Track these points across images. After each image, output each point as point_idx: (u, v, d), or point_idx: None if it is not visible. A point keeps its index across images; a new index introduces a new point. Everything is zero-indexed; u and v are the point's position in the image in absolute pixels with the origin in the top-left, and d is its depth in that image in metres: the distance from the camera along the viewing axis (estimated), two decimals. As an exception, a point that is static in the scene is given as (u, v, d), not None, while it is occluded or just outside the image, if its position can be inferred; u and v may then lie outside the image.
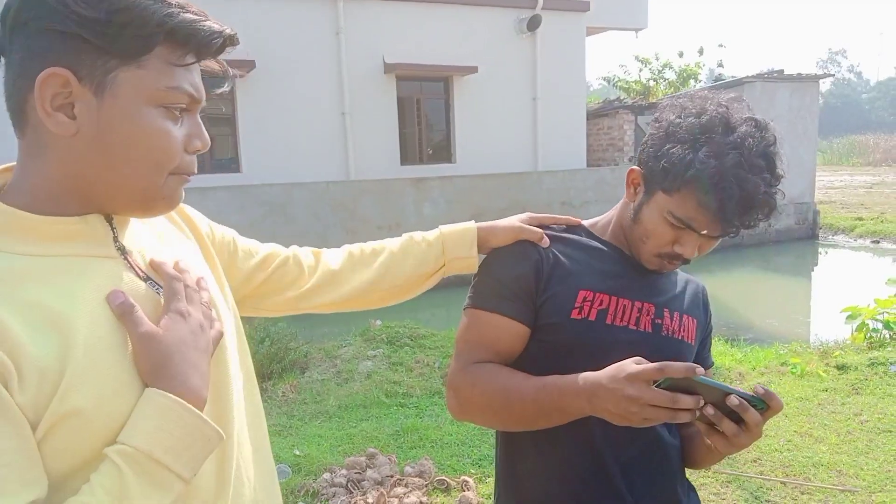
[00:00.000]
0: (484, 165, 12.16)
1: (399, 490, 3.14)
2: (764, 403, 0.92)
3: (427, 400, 4.53)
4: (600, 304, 1.16)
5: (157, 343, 0.73)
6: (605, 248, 1.25)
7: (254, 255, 1.13)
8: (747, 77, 14.52)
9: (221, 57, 0.80)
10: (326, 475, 3.31)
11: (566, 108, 12.99)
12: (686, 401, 0.90)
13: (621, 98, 16.99)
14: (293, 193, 10.07)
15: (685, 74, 22.09)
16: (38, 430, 0.65)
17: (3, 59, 0.72)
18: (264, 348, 5.08)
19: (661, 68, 22.26)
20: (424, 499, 3.09)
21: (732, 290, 9.81)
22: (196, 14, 0.74)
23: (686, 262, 1.17)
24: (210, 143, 0.81)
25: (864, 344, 5.32)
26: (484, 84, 12.26)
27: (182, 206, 0.95)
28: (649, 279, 1.23)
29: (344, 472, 3.33)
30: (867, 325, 5.49)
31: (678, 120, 1.11)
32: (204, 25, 0.74)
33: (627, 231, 1.22)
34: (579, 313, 1.15)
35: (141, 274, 0.79)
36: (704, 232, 1.10)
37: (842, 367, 4.72)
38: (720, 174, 1.03)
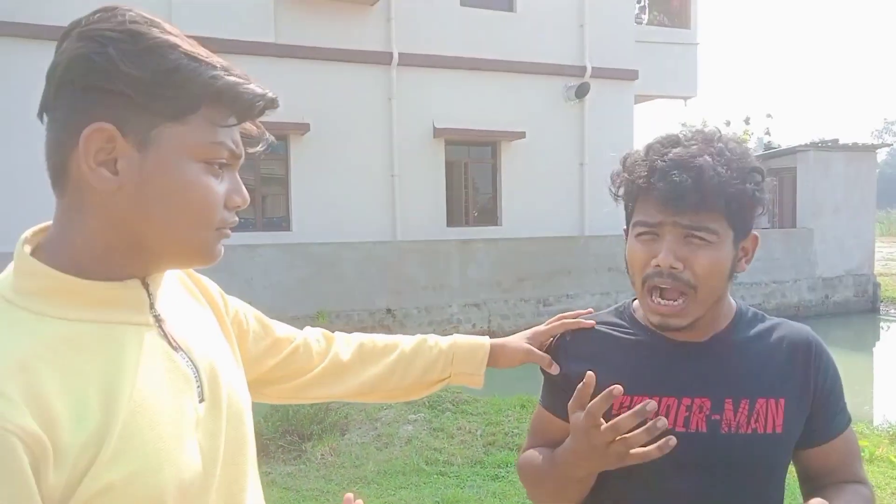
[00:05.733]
0: (530, 229, 12.14)
1: (438, 566, 2.99)
2: None
3: (468, 469, 4.38)
4: None
5: None
6: (646, 338, 1.12)
7: (265, 336, 1.09)
8: (800, 146, 14.32)
9: (264, 118, 0.81)
10: (363, 546, 3.18)
11: (614, 174, 12.95)
12: (626, 420, 0.90)
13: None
14: (341, 253, 10.19)
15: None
16: None
17: (46, 116, 0.72)
18: (304, 408, 5.02)
19: None
20: (464, 577, 2.93)
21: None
22: (239, 77, 0.74)
23: (678, 281, 1.01)
24: (249, 199, 0.80)
25: (938, 428, 4.97)
26: (531, 149, 12.37)
27: (198, 276, 0.95)
28: (707, 365, 1.08)
29: (381, 543, 3.20)
30: (940, 407, 5.13)
31: None
32: (247, 88, 0.74)
33: None
34: None
35: (174, 344, 0.78)
36: (663, 219, 1.01)
37: (915, 453, 4.39)
38: (640, 158, 1.06)
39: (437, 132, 11.71)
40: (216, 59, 0.74)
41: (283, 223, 11.25)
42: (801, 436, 1.10)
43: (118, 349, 0.71)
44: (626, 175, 1.08)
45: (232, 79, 0.73)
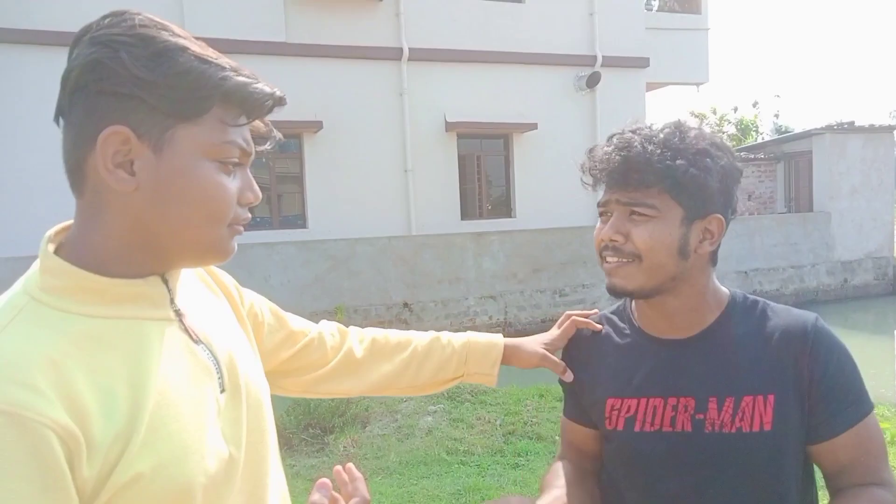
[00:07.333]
0: (543, 220, 12.14)
1: (461, 552, 3.05)
2: None
3: (489, 458, 4.43)
4: (628, 411, 1.11)
5: None
6: (637, 339, 1.14)
7: (280, 329, 1.12)
8: (815, 129, 14.18)
9: (277, 116, 0.82)
10: (387, 534, 3.24)
11: (627, 163, 12.90)
12: None
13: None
14: (356, 248, 10.27)
15: (742, 126, 22.00)
16: (99, 499, 0.66)
17: (62, 120, 0.74)
18: (326, 401, 5.10)
19: (717, 122, 22.21)
20: (487, 562, 2.99)
21: (808, 348, 9.27)
22: (248, 77, 0.76)
23: (623, 254, 1.06)
24: (261, 195, 0.82)
25: (960, 409, 4.94)
26: (543, 140, 12.36)
27: (214, 269, 0.97)
28: (692, 362, 1.07)
29: (405, 530, 3.26)
30: (961, 387, 5.10)
31: None
32: (257, 88, 0.76)
33: None
34: (609, 424, 1.13)
35: (194, 337, 0.81)
36: (609, 197, 1.08)
37: (936, 434, 4.37)
38: (601, 147, 1.12)
39: (449, 126, 11.74)
40: (225, 60, 0.76)
41: (298, 221, 11.35)
42: (807, 431, 1.04)
43: (142, 344, 0.73)
44: (589, 163, 1.13)
45: (241, 79, 0.75)
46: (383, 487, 3.95)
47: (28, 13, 9.38)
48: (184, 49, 0.72)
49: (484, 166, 12.65)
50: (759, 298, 1.13)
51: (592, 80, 12.38)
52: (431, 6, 11.60)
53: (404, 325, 10.34)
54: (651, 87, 14.69)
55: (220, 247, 0.79)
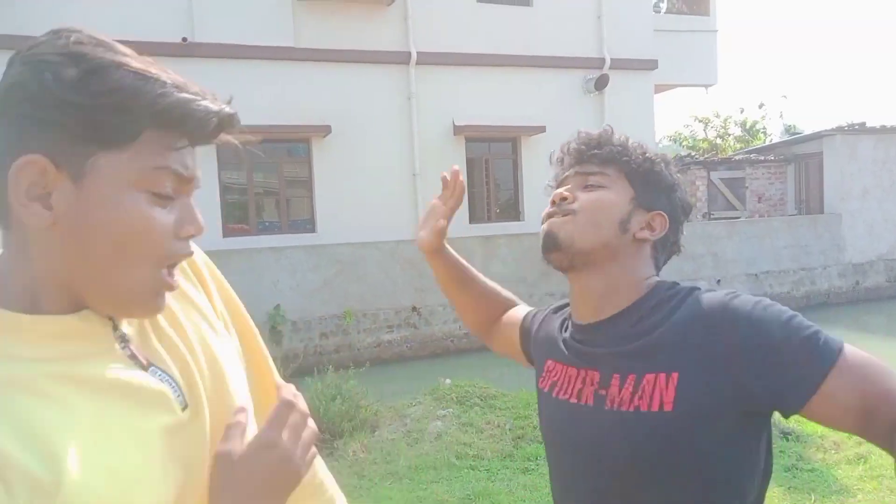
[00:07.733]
0: (553, 223, 12.12)
1: (471, 558, 3.04)
2: None
3: (498, 463, 4.41)
4: (555, 375, 1.15)
5: (225, 466, 0.71)
6: (569, 317, 1.20)
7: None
8: (826, 130, 14.10)
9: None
10: (397, 539, 3.23)
11: (636, 165, 12.88)
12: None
13: (692, 154, 16.73)
14: (364, 252, 10.29)
15: (748, 127, 22.01)
16: None
17: None
18: (335, 406, 5.10)
19: (722, 124, 22.20)
20: (497, 568, 2.97)
21: (820, 351, 9.20)
22: (193, 94, 0.68)
23: (564, 211, 1.15)
24: (203, 227, 0.73)
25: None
26: (552, 143, 12.32)
27: (193, 259, 0.85)
28: (602, 340, 1.07)
29: (414, 536, 3.25)
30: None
31: None
32: (197, 105, 0.67)
33: None
34: (542, 382, 1.18)
35: (144, 363, 0.72)
36: (569, 174, 1.18)
37: (951, 438, 4.33)
38: None
39: (458, 129, 11.75)
40: (169, 76, 0.68)
41: (307, 225, 11.38)
42: (778, 403, 0.93)
43: (72, 386, 0.65)
44: (558, 155, 1.23)
45: (183, 96, 0.66)
46: (393, 492, 3.94)
47: (14, 18, 9.47)
48: (119, 65, 0.65)
49: (492, 170, 12.65)
50: (690, 286, 1.08)
51: (601, 83, 12.37)
52: (439, 10, 11.62)
53: (413, 329, 10.35)
54: (659, 89, 14.65)
55: (144, 296, 0.70)
